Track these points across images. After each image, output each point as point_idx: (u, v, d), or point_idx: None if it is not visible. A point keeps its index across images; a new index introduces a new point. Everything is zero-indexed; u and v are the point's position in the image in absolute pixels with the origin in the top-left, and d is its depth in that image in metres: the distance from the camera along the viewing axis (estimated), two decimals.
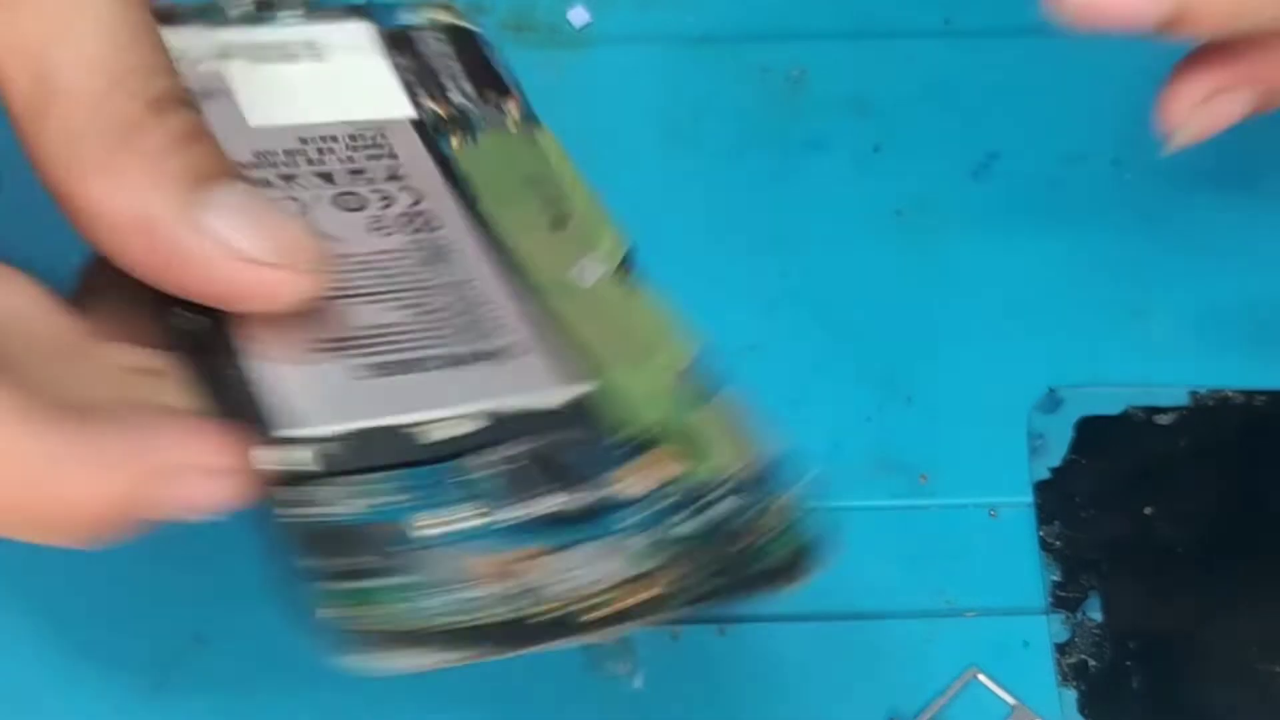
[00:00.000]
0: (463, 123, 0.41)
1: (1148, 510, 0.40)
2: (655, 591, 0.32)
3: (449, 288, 0.38)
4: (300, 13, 0.41)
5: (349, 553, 0.32)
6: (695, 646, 0.39)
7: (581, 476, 0.34)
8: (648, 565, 0.32)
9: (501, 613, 0.31)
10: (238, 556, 0.40)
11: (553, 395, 0.36)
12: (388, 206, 0.38)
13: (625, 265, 0.40)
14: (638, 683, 0.38)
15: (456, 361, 0.36)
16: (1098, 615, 0.38)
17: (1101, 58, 0.47)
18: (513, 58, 0.47)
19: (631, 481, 0.34)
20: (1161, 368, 0.42)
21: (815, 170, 0.45)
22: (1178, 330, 0.42)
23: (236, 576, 0.40)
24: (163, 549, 0.40)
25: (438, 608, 0.31)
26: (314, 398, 0.33)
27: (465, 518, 0.33)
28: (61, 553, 0.40)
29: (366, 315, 0.36)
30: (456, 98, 0.41)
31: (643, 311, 0.39)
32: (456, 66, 0.42)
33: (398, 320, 0.36)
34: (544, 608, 0.31)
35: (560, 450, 0.34)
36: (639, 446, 0.35)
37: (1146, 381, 0.42)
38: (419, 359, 0.35)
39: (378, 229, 0.38)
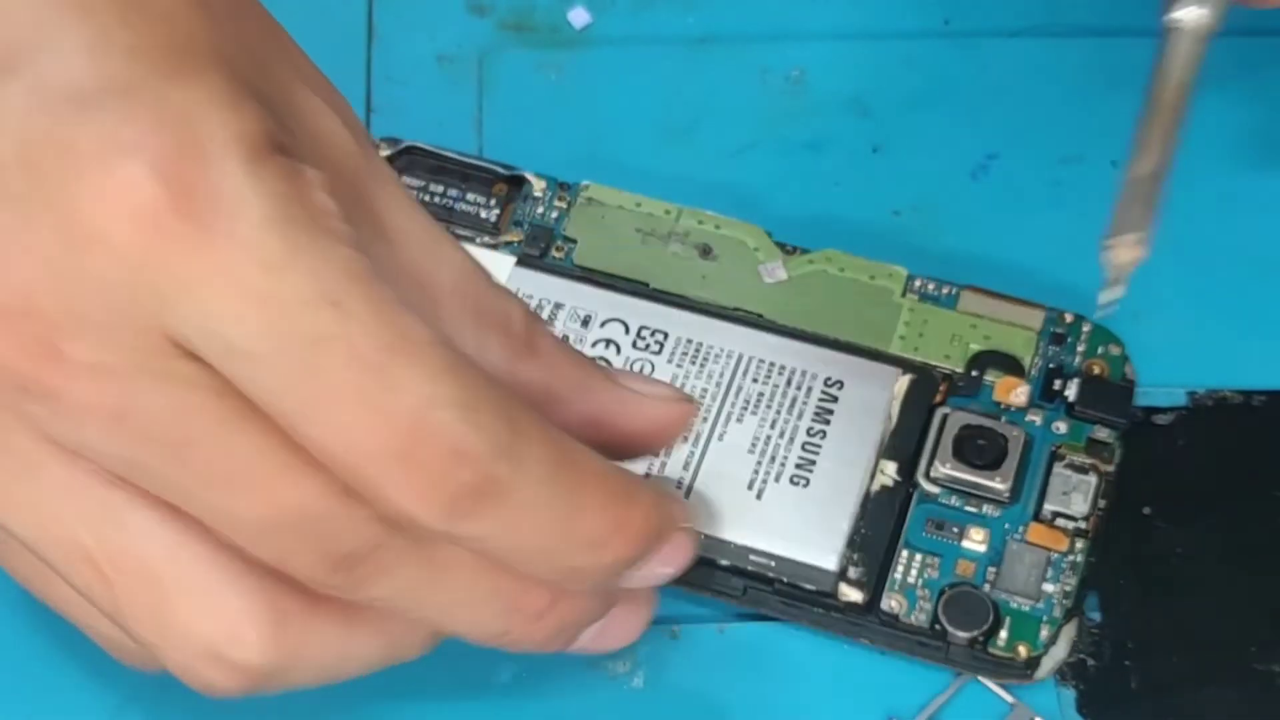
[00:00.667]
0: (535, 233, 0.41)
1: (1146, 510, 0.40)
2: None
3: (745, 373, 0.38)
4: None
5: None
6: (695, 646, 0.39)
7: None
8: None
9: None
10: None
11: (891, 392, 0.39)
12: (618, 350, 0.39)
13: (780, 244, 0.40)
14: (638, 682, 0.38)
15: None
16: (1096, 615, 0.38)
17: (1101, 58, 0.47)
18: (513, 58, 0.48)
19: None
20: (1159, 368, 0.42)
21: (814, 170, 0.45)
22: (1175, 330, 0.42)
23: None
24: None
25: None
26: None
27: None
28: None
29: (740, 446, 0.38)
30: (487, 214, 0.42)
31: (838, 267, 0.40)
32: (439, 189, 0.42)
33: (769, 433, 0.37)
34: None
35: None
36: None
37: (1144, 382, 0.41)
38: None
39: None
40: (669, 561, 0.33)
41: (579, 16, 0.48)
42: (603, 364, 0.39)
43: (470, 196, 0.43)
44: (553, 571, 0.31)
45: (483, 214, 0.42)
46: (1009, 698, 0.38)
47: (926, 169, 0.45)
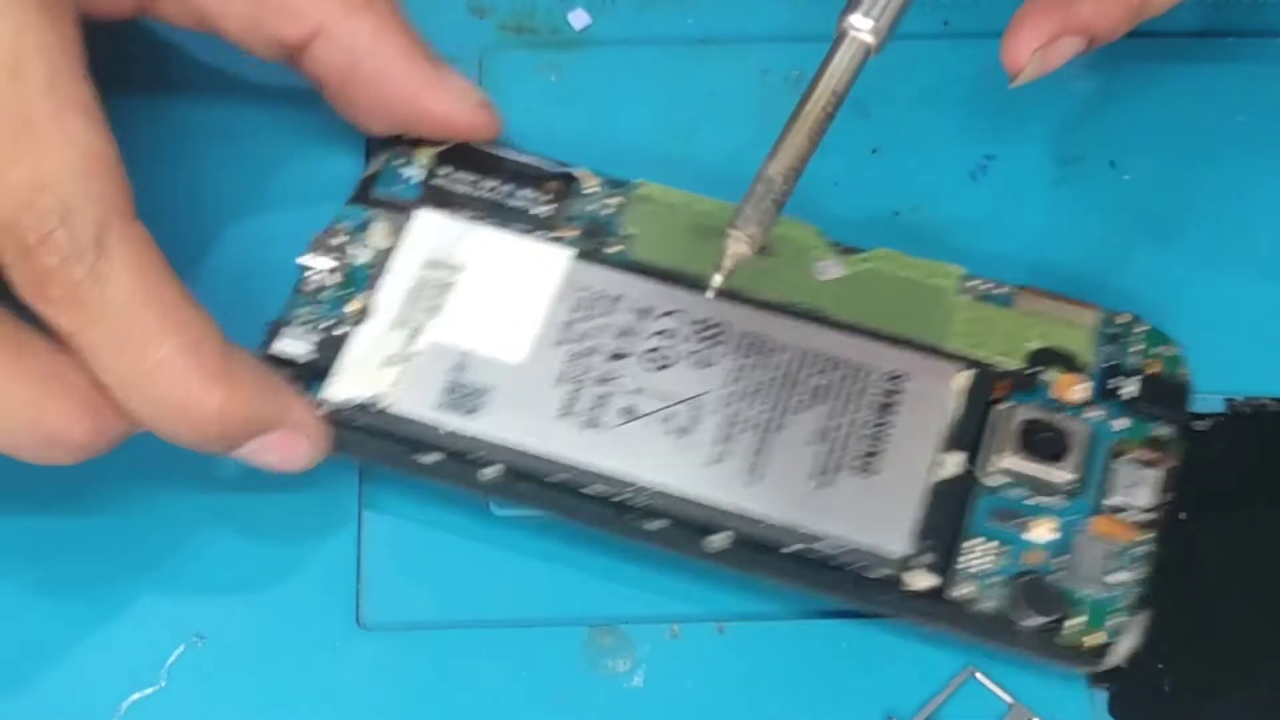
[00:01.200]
0: (590, 229, 0.41)
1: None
2: None
3: (805, 366, 0.38)
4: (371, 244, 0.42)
5: None
6: (695, 645, 0.39)
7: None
8: None
9: None
10: (239, 556, 0.40)
11: (950, 387, 0.39)
12: (677, 341, 0.39)
13: (834, 243, 0.41)
14: (638, 681, 0.38)
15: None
16: None
17: (1099, 59, 0.47)
18: (513, 59, 0.48)
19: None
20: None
21: (814, 171, 0.45)
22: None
23: (237, 576, 0.40)
24: (163, 548, 0.40)
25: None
26: None
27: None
28: (63, 552, 0.40)
29: (801, 437, 0.38)
30: (538, 210, 0.42)
31: (893, 266, 0.40)
32: (489, 185, 0.42)
33: (830, 425, 0.37)
34: None
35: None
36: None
37: None
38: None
39: (701, 365, 0.39)
40: (272, 450, 0.37)
41: (579, 18, 0.48)
42: (661, 356, 0.39)
43: (520, 193, 0.43)
44: (133, 409, 0.36)
45: (533, 210, 0.42)
46: (1008, 698, 0.38)
47: (926, 169, 0.45)
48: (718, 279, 0.38)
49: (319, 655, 0.39)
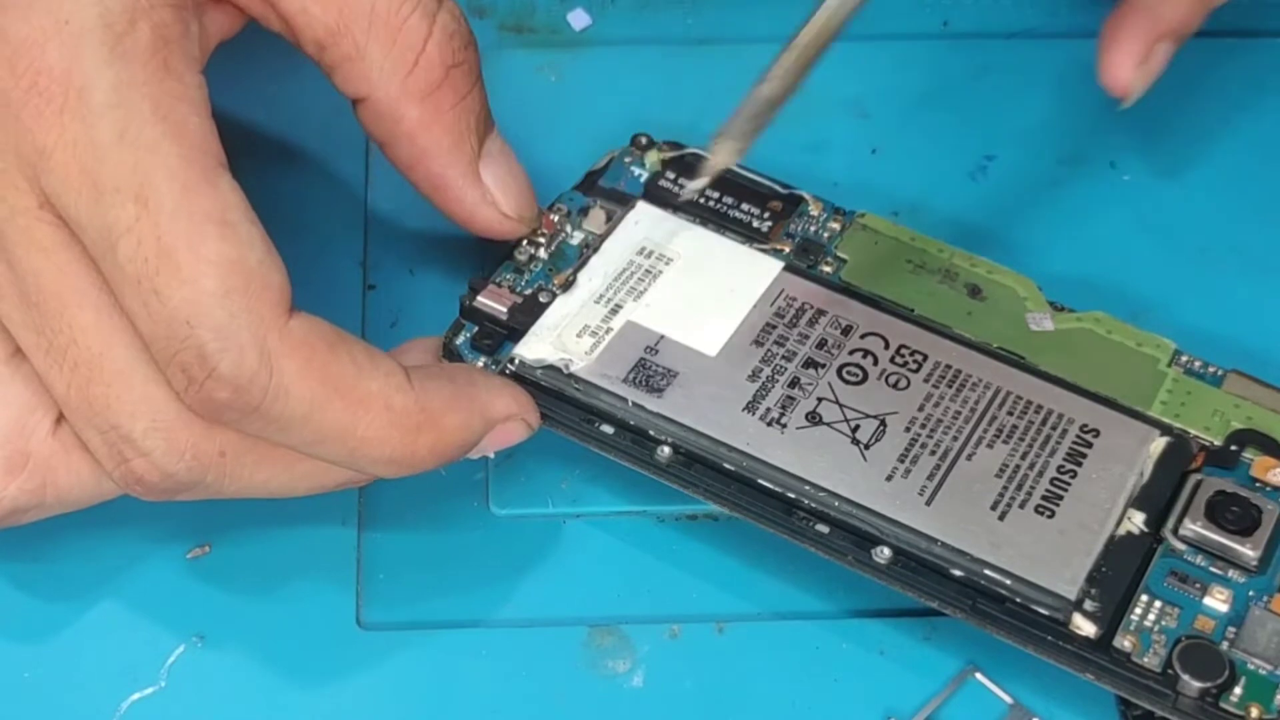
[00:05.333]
0: (805, 246, 0.41)
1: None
2: None
3: (1000, 405, 0.39)
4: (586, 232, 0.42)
5: None
6: (695, 645, 0.39)
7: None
8: None
9: None
10: (239, 556, 0.40)
11: (1148, 449, 0.39)
12: (874, 361, 0.39)
13: (1051, 301, 0.41)
14: (637, 681, 0.38)
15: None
16: None
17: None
18: (513, 59, 0.48)
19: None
20: None
21: (814, 171, 0.45)
22: (1176, 331, 0.42)
23: (237, 576, 0.40)
24: (163, 548, 0.40)
25: None
26: None
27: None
28: (63, 552, 0.40)
29: (985, 469, 0.38)
30: (758, 224, 0.42)
31: (1105, 329, 0.40)
32: (714, 195, 0.43)
33: (1017, 463, 0.38)
34: None
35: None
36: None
37: None
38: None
39: (894, 387, 0.40)
40: (490, 448, 0.38)
41: (579, 18, 0.48)
42: (856, 372, 0.40)
43: (745, 206, 0.43)
44: (356, 474, 0.37)
45: (755, 224, 0.42)
46: (1007, 697, 0.38)
47: (925, 170, 0.46)
48: (699, 183, 0.40)
49: (319, 655, 0.39)
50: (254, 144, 0.46)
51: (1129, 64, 0.41)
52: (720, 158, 0.39)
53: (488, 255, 0.42)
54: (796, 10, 0.47)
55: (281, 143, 0.46)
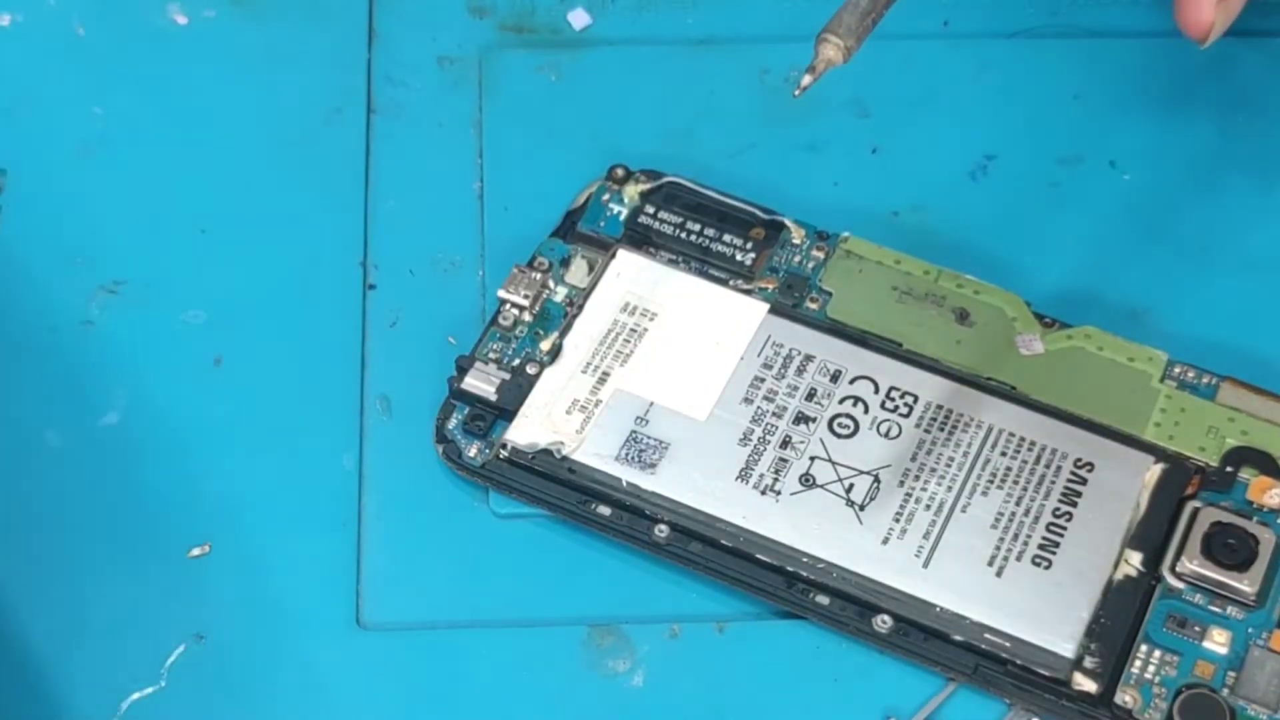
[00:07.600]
0: (790, 282, 0.41)
1: None
2: None
3: (993, 446, 0.39)
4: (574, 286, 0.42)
5: None
6: (695, 645, 0.39)
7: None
8: None
9: None
10: (239, 556, 0.40)
11: (1142, 480, 0.39)
12: (865, 409, 0.39)
13: (1039, 315, 0.40)
14: (637, 681, 0.38)
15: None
16: None
17: (1100, 59, 0.47)
18: (513, 59, 0.48)
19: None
20: None
21: (813, 172, 0.45)
22: (1175, 331, 0.42)
23: (237, 575, 0.40)
24: (163, 548, 0.40)
25: None
26: None
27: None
28: (63, 552, 0.40)
29: (980, 520, 0.38)
30: (740, 256, 0.42)
31: (1096, 345, 0.40)
32: (694, 228, 0.43)
33: (1012, 510, 0.38)
34: None
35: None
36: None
37: None
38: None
39: (886, 436, 0.40)
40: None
41: (579, 18, 0.48)
42: (847, 423, 0.39)
43: (726, 237, 0.43)
44: None
45: (738, 256, 0.42)
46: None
47: (925, 170, 0.45)
48: (807, 79, 0.37)
49: (319, 655, 0.39)
50: (254, 144, 0.46)
51: (1208, 5, 0.41)
52: (828, 53, 0.37)
53: (488, 255, 0.42)
54: (797, 10, 0.47)
55: (281, 143, 0.46)
